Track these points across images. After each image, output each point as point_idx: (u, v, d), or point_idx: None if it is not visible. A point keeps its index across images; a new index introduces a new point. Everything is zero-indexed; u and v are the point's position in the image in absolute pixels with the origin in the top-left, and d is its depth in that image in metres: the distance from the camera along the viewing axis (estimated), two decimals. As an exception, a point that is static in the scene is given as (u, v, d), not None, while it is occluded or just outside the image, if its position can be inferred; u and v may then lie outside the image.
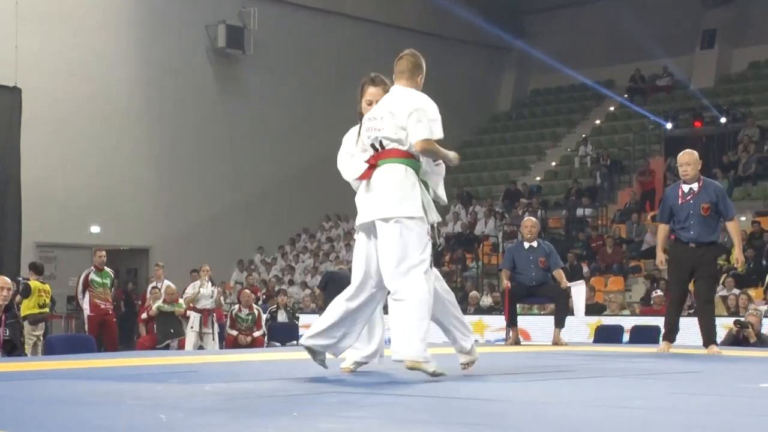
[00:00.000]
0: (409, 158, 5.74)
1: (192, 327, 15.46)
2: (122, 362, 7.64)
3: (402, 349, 5.58)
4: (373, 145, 5.83)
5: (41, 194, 22.90)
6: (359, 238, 5.91)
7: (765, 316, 13.05)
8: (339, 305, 5.89)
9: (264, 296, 21.23)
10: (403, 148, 5.73)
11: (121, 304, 20.38)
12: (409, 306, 5.57)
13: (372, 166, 5.77)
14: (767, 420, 4.32)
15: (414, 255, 5.60)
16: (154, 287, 17.32)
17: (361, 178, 5.82)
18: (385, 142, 5.75)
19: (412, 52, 6.03)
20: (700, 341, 9.38)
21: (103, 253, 15.21)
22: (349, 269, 6.52)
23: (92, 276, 14.84)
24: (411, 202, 5.66)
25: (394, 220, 5.63)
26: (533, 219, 12.10)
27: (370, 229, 5.79)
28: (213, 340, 15.53)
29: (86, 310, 14.77)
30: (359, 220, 5.84)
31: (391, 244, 5.61)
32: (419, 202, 5.67)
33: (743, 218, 21.47)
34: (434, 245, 5.77)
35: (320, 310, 16.69)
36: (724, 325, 14.55)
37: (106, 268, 15.01)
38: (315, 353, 5.95)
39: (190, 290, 15.88)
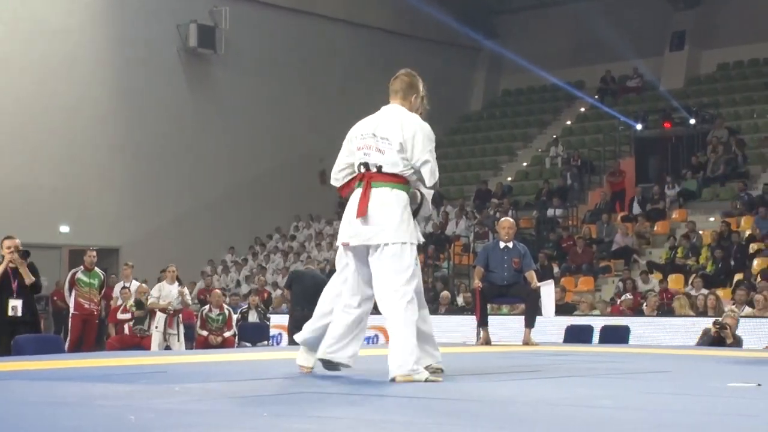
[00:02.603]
0: (406, 184, 5.83)
1: (157, 327, 15.38)
2: (91, 363, 7.59)
3: (395, 367, 5.70)
4: (366, 164, 5.81)
5: (9, 194, 22.72)
6: (352, 253, 5.87)
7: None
8: (347, 313, 5.89)
9: (255, 291, 21.14)
10: (402, 174, 5.79)
11: (103, 304, 20.32)
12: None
13: (368, 185, 5.76)
14: (734, 419, 4.36)
15: (408, 277, 5.74)
16: (123, 287, 17.22)
17: (361, 205, 5.75)
18: (385, 168, 5.77)
19: (407, 72, 6.05)
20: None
21: (94, 253, 15.18)
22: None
23: (79, 275, 14.79)
24: (413, 229, 5.82)
25: (401, 243, 5.74)
26: (510, 220, 12.10)
27: (368, 250, 5.80)
28: (178, 341, 15.45)
29: (71, 308, 14.74)
30: (359, 240, 5.78)
31: (394, 266, 5.71)
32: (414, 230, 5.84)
33: (711, 219, 21.68)
34: None
35: (287, 309, 16.58)
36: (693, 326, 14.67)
37: (96, 268, 14.95)
38: (333, 364, 5.97)
39: (155, 292, 15.80)
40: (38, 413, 4.33)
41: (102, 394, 5.17)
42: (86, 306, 14.73)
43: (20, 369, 6.85)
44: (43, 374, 6.51)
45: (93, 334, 14.96)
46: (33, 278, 11.45)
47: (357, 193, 5.82)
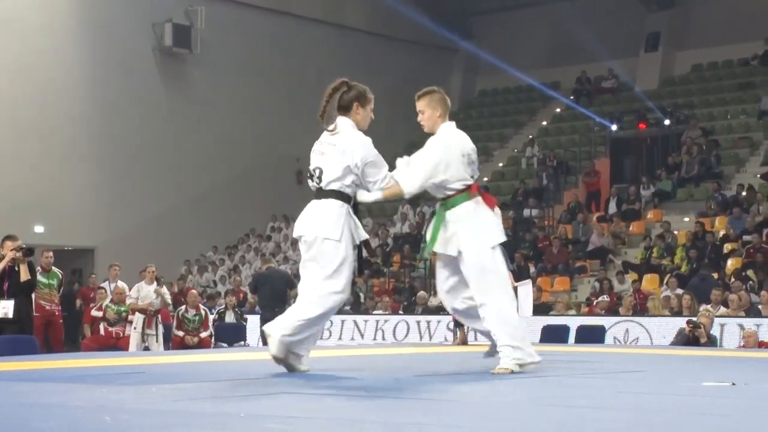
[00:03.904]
0: None
1: (135, 328, 15.29)
2: (66, 363, 7.55)
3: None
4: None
5: (-18, 194, 22.57)
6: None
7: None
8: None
9: (231, 291, 21.06)
10: None
11: (79, 305, 20.11)
12: None
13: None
14: (709, 418, 4.38)
15: None
16: (100, 287, 17.12)
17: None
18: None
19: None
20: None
21: (50, 253, 14.98)
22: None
23: (38, 277, 14.60)
24: None
25: None
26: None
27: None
28: (157, 341, 15.36)
29: (33, 311, 14.54)
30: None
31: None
32: None
33: (686, 219, 21.81)
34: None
35: (258, 310, 16.44)
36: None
37: (54, 268, 14.79)
38: None
39: (134, 293, 15.70)
40: (11, 415, 4.30)
41: (77, 394, 5.14)
42: (47, 307, 14.53)
43: (-6, 370, 6.80)
44: (16, 375, 6.47)
45: (59, 335, 14.77)
46: (29, 276, 11.41)
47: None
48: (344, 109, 6.18)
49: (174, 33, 25.77)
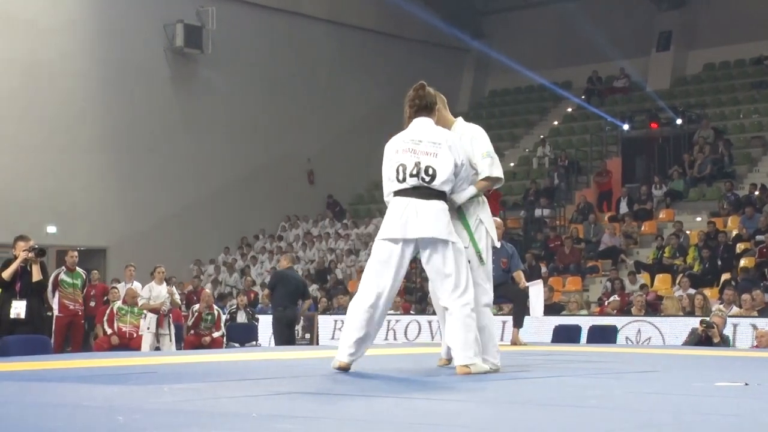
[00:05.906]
0: None
1: (148, 328, 15.34)
2: (79, 363, 7.56)
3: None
4: None
5: (-5, 194, 22.65)
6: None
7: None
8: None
9: (242, 291, 21.01)
10: None
11: (92, 304, 20.17)
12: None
13: None
14: (721, 418, 4.37)
15: None
16: (113, 288, 17.16)
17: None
18: None
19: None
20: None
21: (75, 253, 15.06)
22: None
23: (62, 276, 14.66)
24: None
25: None
26: (498, 220, 12.08)
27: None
28: (170, 341, 15.41)
29: (55, 310, 14.62)
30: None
31: None
32: None
33: (698, 219, 21.75)
34: None
35: (270, 309, 16.45)
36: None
37: (78, 268, 14.86)
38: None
39: (145, 293, 15.75)
40: (24, 414, 4.32)
41: (89, 394, 5.15)
42: (71, 307, 14.63)
43: (5, 370, 6.82)
44: (29, 375, 6.48)
45: (80, 335, 14.88)
46: (41, 276, 11.47)
47: None
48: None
49: (185, 33, 25.84)
